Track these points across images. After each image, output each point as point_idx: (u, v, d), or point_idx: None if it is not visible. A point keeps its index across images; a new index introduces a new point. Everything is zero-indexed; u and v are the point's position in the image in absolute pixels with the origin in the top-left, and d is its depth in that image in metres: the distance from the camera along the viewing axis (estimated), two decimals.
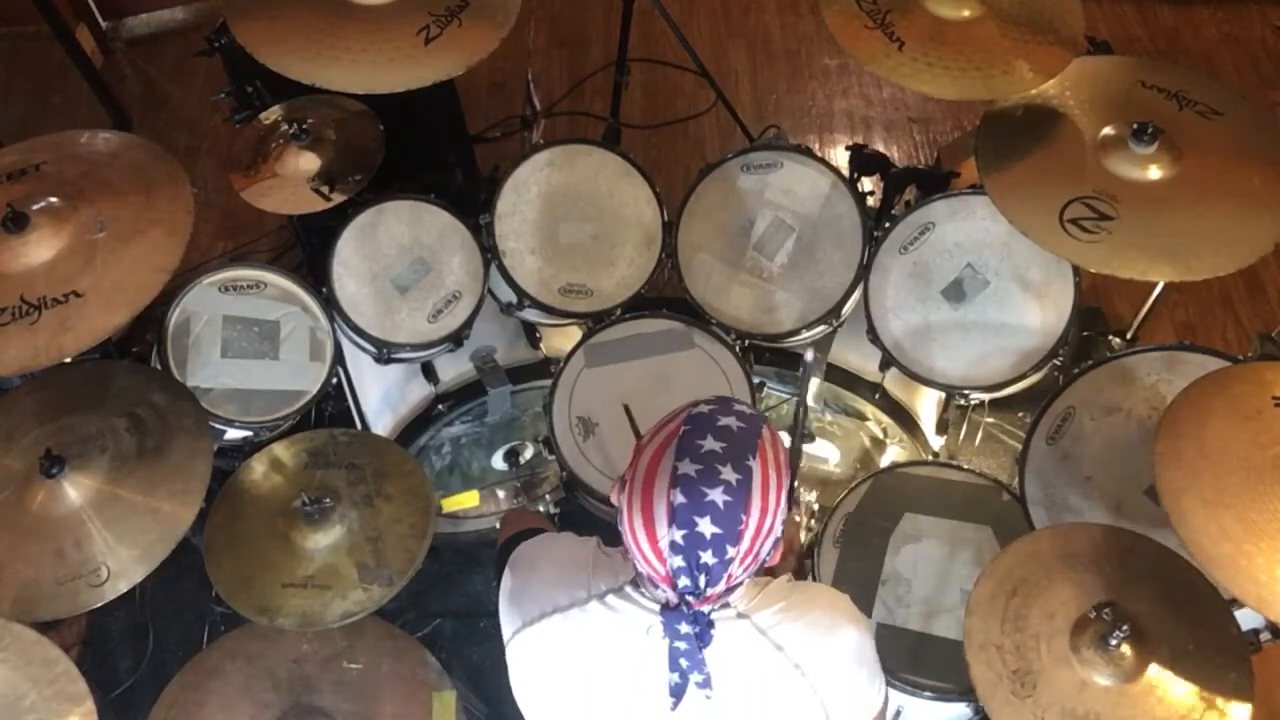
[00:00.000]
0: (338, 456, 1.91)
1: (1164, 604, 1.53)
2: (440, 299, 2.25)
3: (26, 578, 1.60)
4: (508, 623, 1.28)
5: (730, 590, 1.13)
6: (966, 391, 2.15)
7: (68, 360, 1.70)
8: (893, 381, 2.57)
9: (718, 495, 1.06)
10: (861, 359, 2.56)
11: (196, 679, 1.81)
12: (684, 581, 1.07)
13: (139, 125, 3.51)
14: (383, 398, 2.61)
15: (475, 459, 2.71)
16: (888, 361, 2.19)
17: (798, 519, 2.28)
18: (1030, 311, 2.09)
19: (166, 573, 1.65)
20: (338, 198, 2.07)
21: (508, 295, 2.30)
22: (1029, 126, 1.92)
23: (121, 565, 1.60)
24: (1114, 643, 1.47)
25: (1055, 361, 2.09)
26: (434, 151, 2.53)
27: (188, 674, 1.82)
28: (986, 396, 2.18)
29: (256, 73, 2.19)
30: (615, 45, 2.90)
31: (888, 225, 2.18)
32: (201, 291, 2.06)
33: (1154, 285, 2.34)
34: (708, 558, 1.06)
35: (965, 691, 1.83)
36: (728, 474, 1.07)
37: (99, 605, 1.59)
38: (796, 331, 2.24)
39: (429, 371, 2.59)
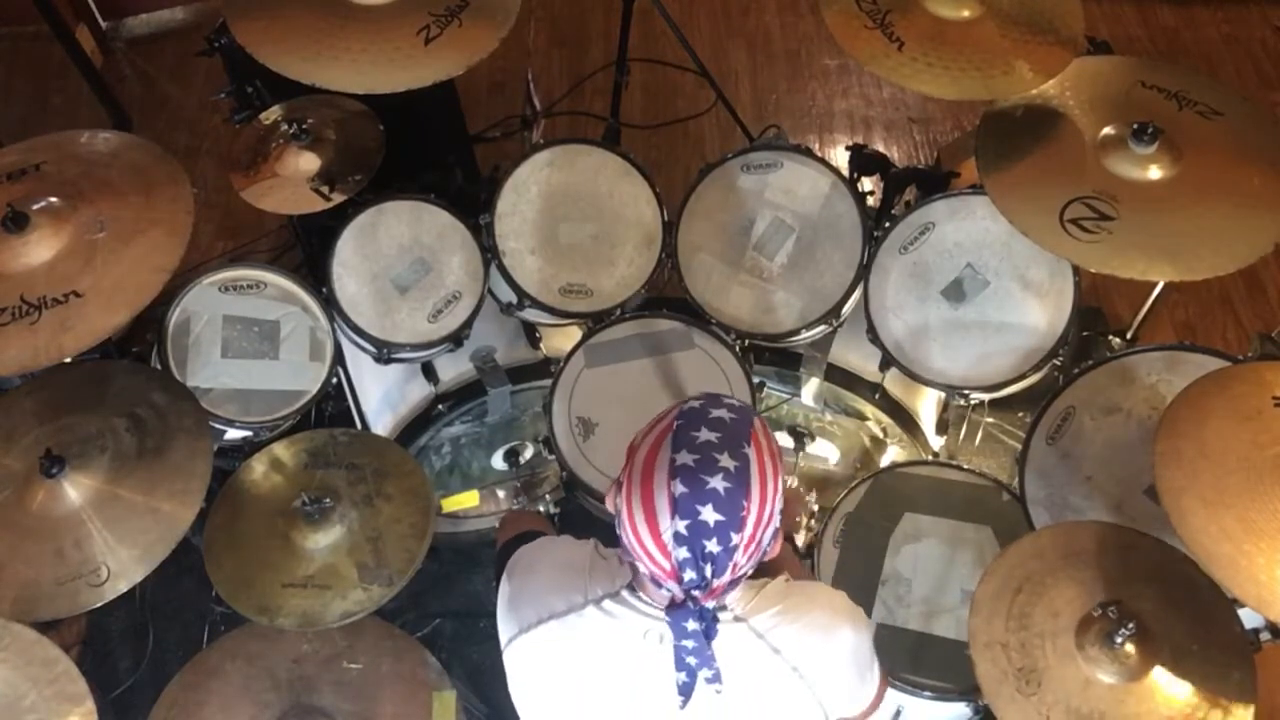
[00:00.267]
0: (338, 456, 1.91)
1: (1168, 602, 1.53)
2: (440, 299, 2.25)
3: (26, 578, 1.60)
4: (505, 629, 1.28)
5: (735, 583, 1.13)
6: (966, 391, 2.15)
7: (68, 360, 1.70)
8: (893, 381, 2.57)
9: (718, 482, 1.06)
10: (861, 359, 2.56)
11: (196, 679, 1.81)
12: (690, 575, 1.07)
13: (139, 125, 3.51)
14: (383, 398, 2.60)
15: (475, 459, 2.71)
16: (888, 361, 2.19)
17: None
18: (1030, 311, 2.09)
19: (166, 573, 1.65)
20: (338, 198, 2.07)
21: (508, 295, 2.30)
22: (1029, 126, 1.92)
23: (121, 565, 1.60)
24: (1119, 641, 1.47)
25: (1055, 361, 2.09)
26: (434, 151, 2.53)
27: (188, 674, 1.82)
28: (986, 396, 2.18)
29: (256, 73, 2.19)
30: (615, 45, 2.90)
31: (888, 225, 2.18)
32: (201, 291, 2.06)
33: (1154, 285, 2.34)
34: (712, 546, 1.06)
35: (965, 691, 1.84)
36: (726, 461, 1.08)
37: (99, 605, 1.59)
38: (796, 331, 2.24)
39: (429, 371, 2.59)
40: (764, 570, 1.22)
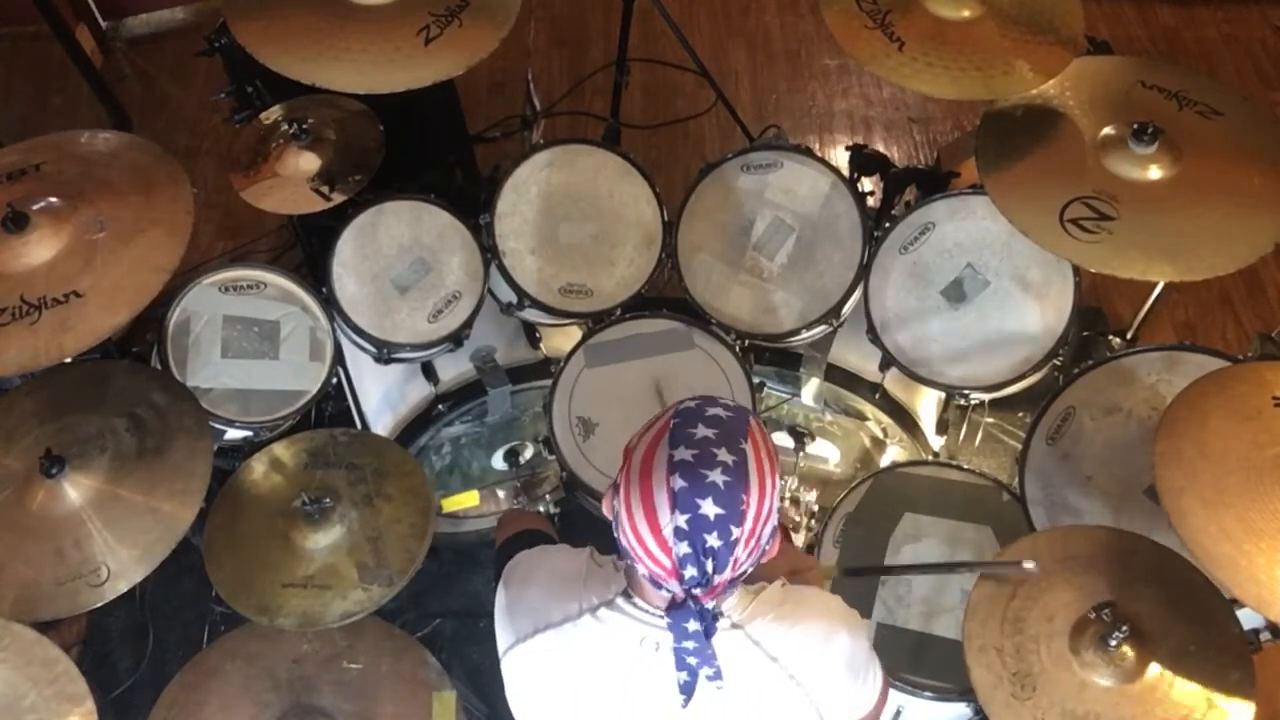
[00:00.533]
0: (338, 456, 1.91)
1: (1164, 604, 1.53)
2: (440, 299, 2.25)
3: (26, 578, 1.60)
4: (502, 638, 1.28)
5: (735, 580, 1.13)
6: (966, 391, 2.15)
7: (68, 360, 1.70)
8: (893, 381, 2.57)
9: (717, 476, 1.06)
10: (861, 359, 2.56)
11: (196, 679, 1.81)
12: (690, 571, 1.07)
13: (139, 125, 3.50)
14: (383, 398, 2.60)
15: (475, 459, 2.71)
16: (888, 361, 2.19)
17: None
18: (1030, 311, 2.09)
19: (166, 573, 1.65)
20: (338, 198, 2.07)
21: (508, 295, 2.30)
22: (1029, 126, 1.92)
23: (121, 565, 1.60)
24: (1114, 643, 1.47)
25: (1055, 361, 2.09)
26: (434, 151, 2.53)
27: (188, 674, 1.82)
28: (986, 396, 2.18)
29: (256, 73, 2.19)
30: (615, 45, 2.90)
31: (888, 225, 2.18)
32: (201, 291, 2.06)
33: (1154, 285, 2.34)
34: (713, 540, 1.06)
35: (965, 691, 1.83)
36: (724, 456, 1.08)
37: (99, 605, 1.59)
38: (796, 331, 2.24)
39: (429, 371, 2.59)
40: (761, 574, 1.22)
